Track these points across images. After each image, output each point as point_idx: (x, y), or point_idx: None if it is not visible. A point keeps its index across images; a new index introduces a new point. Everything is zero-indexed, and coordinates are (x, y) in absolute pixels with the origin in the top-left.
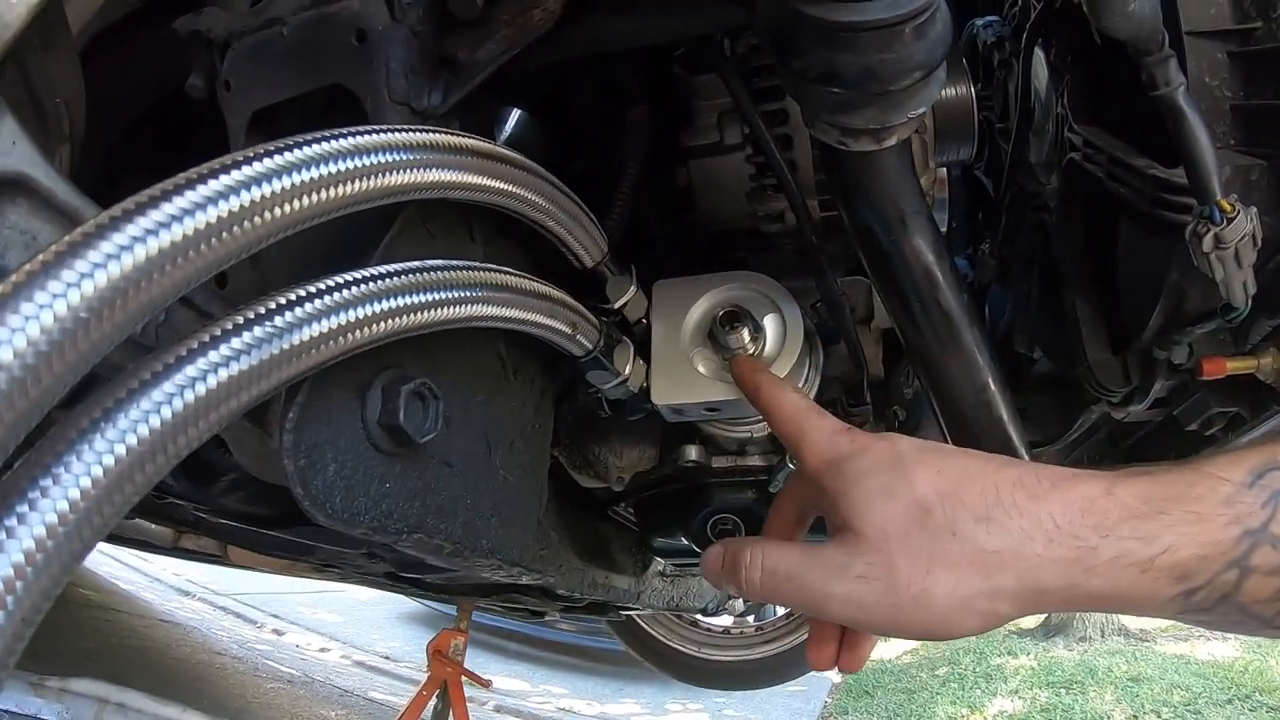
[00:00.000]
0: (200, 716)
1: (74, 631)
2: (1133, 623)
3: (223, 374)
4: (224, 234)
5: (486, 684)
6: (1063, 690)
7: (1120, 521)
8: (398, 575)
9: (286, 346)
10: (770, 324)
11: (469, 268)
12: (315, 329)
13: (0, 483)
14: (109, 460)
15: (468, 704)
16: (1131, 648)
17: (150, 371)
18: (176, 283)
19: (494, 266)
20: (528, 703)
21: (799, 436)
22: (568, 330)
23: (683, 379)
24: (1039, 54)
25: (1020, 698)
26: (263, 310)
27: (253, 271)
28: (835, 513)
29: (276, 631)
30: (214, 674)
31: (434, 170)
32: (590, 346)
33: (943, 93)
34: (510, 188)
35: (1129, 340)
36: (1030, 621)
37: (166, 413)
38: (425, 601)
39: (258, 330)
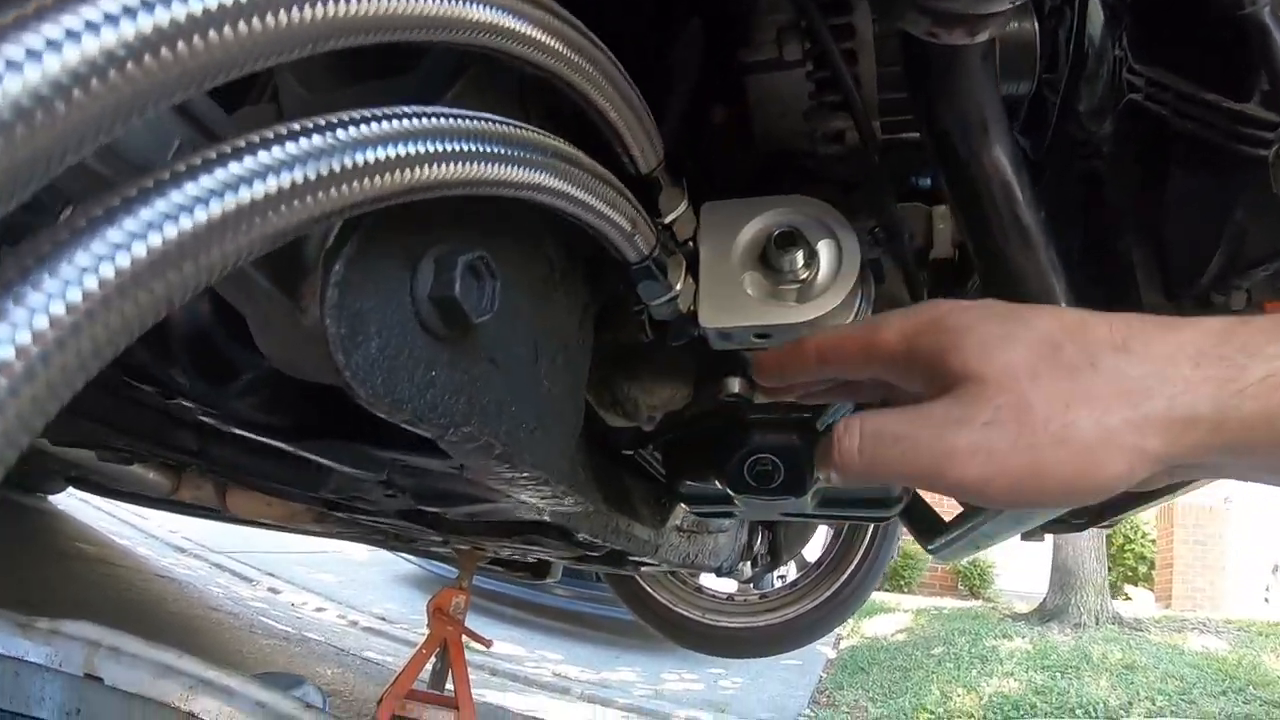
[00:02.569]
0: (196, 662)
1: (68, 583)
2: (1126, 611)
3: (271, 183)
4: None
5: (488, 643)
6: (1058, 674)
7: (1265, 343)
8: (411, 513)
9: (345, 165)
10: (824, 250)
11: (539, 132)
12: (378, 154)
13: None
14: (139, 248)
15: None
16: (1125, 636)
17: (186, 165)
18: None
19: (562, 140)
20: (524, 667)
21: (873, 330)
22: (628, 227)
23: (733, 302)
24: None
25: (1015, 679)
26: (321, 123)
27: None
28: (942, 369)
29: (272, 590)
30: (209, 628)
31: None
32: (646, 252)
33: (1009, 26)
34: (580, 60)
35: (1180, 290)
36: (1025, 606)
37: (201, 216)
38: (422, 563)
39: (315, 139)
